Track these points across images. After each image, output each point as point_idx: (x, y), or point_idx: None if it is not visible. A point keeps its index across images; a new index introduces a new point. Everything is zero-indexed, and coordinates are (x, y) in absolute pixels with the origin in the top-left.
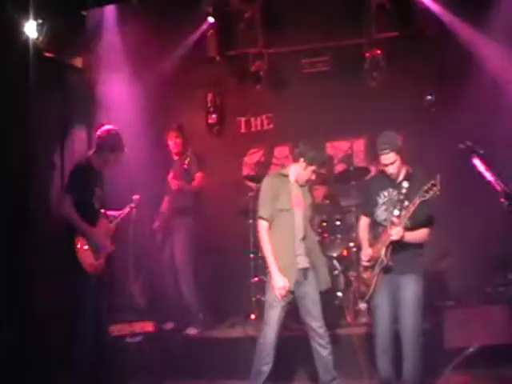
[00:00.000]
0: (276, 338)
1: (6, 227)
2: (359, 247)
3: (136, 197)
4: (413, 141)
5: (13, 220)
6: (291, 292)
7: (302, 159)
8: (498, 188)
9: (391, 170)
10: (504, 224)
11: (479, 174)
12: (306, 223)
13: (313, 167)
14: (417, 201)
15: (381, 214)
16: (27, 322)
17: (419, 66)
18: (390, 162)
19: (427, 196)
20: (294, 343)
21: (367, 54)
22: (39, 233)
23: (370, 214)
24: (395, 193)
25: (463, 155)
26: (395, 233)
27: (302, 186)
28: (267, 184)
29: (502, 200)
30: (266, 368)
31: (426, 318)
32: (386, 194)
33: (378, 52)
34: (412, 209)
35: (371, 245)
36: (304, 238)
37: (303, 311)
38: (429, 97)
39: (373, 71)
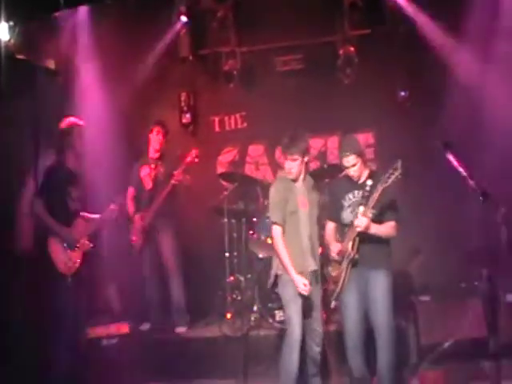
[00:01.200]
0: (301, 335)
1: None
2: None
3: (117, 199)
4: (386, 137)
5: None
6: None
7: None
8: (472, 184)
9: (352, 172)
10: (477, 219)
11: (453, 169)
12: (312, 223)
13: (287, 154)
14: (379, 188)
15: (347, 216)
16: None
17: (393, 63)
18: (351, 164)
19: (389, 181)
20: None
21: (340, 52)
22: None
23: (336, 219)
24: (360, 193)
25: (437, 151)
26: (360, 223)
27: (305, 185)
28: (275, 189)
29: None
30: (296, 368)
31: (400, 314)
32: (350, 196)
33: (352, 49)
34: (376, 196)
35: (339, 241)
36: (310, 239)
37: (306, 312)
38: (402, 93)
39: (346, 68)
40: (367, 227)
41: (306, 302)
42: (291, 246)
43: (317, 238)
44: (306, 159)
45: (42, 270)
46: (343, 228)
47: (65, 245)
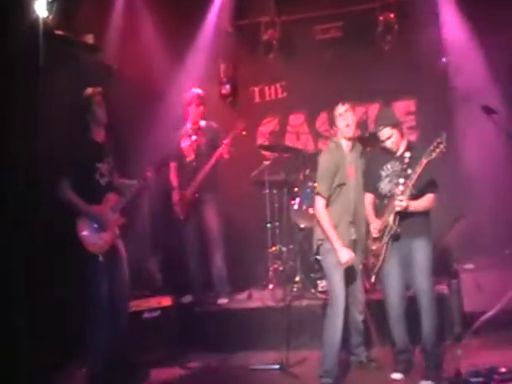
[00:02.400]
0: (345, 303)
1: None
2: None
3: (148, 173)
4: (427, 104)
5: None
6: None
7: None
8: None
9: (389, 144)
10: None
11: (497, 132)
12: (358, 193)
13: (336, 113)
14: (424, 161)
15: (385, 186)
16: (40, 309)
17: (433, 29)
18: (386, 137)
19: (434, 155)
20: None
21: (380, 18)
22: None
23: (374, 190)
24: (397, 164)
25: (478, 116)
26: (398, 204)
27: (355, 153)
28: (326, 159)
29: None
30: (340, 337)
31: (444, 282)
32: (389, 166)
33: (391, 15)
34: (419, 170)
35: (378, 216)
36: (355, 208)
37: (348, 280)
38: (444, 59)
39: (386, 35)
40: (406, 207)
41: (348, 270)
42: (336, 216)
43: (362, 206)
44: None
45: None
46: (381, 199)
47: (95, 225)
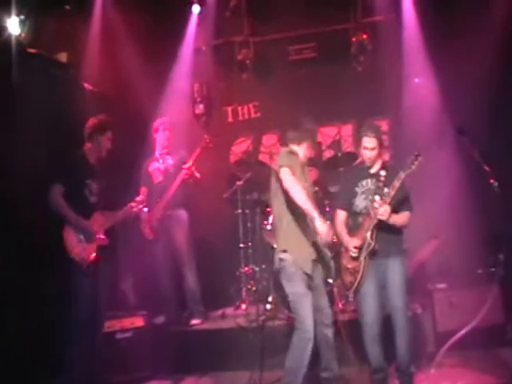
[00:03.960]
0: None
1: None
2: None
3: (139, 198)
4: (400, 124)
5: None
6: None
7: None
8: (486, 169)
9: (368, 154)
10: (494, 205)
11: (468, 154)
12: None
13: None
14: (402, 175)
15: (360, 202)
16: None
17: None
18: (371, 147)
19: (413, 167)
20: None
21: (353, 39)
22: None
23: (348, 207)
24: (373, 182)
25: (451, 136)
26: (383, 211)
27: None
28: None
29: (492, 180)
30: (307, 362)
31: (417, 302)
32: (364, 183)
33: (365, 36)
34: (397, 184)
35: (352, 235)
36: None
37: (313, 303)
38: (416, 79)
39: (359, 56)
40: (389, 215)
41: (312, 286)
42: (297, 235)
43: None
44: None
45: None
46: (355, 217)
47: (81, 237)
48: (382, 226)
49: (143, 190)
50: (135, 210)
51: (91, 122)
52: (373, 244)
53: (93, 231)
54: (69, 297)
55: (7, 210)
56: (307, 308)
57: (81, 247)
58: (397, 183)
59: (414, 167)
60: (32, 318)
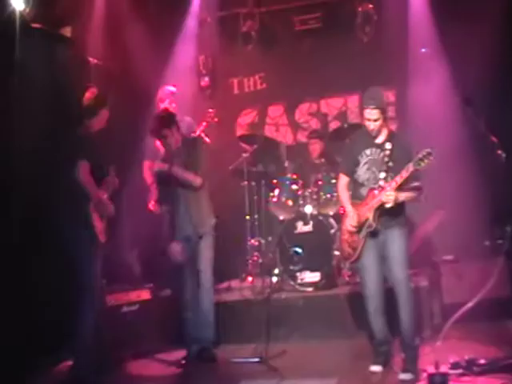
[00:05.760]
0: None
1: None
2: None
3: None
4: (406, 95)
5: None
6: None
7: None
8: (494, 140)
9: (372, 126)
10: (500, 176)
11: (474, 126)
12: None
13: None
14: (411, 168)
15: (363, 173)
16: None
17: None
18: (374, 118)
19: (422, 164)
20: None
21: (359, 9)
22: None
23: (351, 174)
24: (377, 153)
25: (458, 107)
26: (389, 199)
27: None
28: None
29: (499, 152)
30: None
31: (423, 274)
32: (368, 152)
33: (370, 6)
34: (405, 176)
35: (354, 205)
36: None
37: None
38: (423, 49)
39: (365, 26)
40: (396, 199)
41: None
42: None
43: None
44: None
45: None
46: (356, 186)
47: (100, 215)
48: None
49: (146, 164)
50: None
51: (90, 95)
52: (374, 225)
53: (107, 203)
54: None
55: (8, 188)
56: None
57: (101, 224)
58: (405, 174)
59: (423, 164)
60: (40, 288)
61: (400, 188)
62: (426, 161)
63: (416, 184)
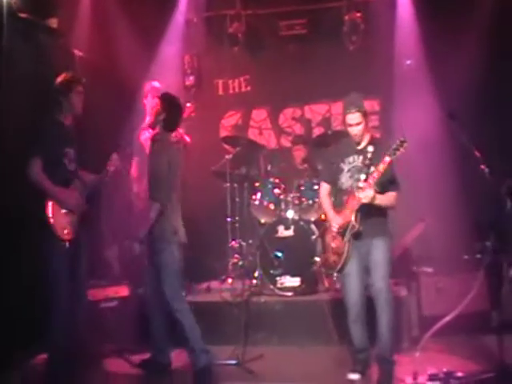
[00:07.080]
0: None
1: None
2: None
3: (114, 156)
4: (391, 105)
5: None
6: None
7: None
8: (476, 154)
9: (355, 131)
10: (482, 191)
11: (458, 139)
12: None
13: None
14: (387, 159)
15: (346, 181)
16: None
17: (399, 30)
18: (356, 122)
19: (398, 153)
20: None
21: (346, 17)
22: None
23: (333, 182)
24: (360, 159)
25: (441, 120)
26: (366, 195)
27: None
28: None
29: (482, 167)
30: None
31: (403, 284)
32: (350, 160)
33: (358, 15)
34: (382, 168)
35: (337, 212)
36: None
37: None
38: (408, 61)
39: (352, 35)
40: (373, 199)
41: None
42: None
43: None
44: None
45: (42, 237)
46: (339, 194)
47: (63, 211)
48: (367, 207)
49: (136, 159)
50: (112, 169)
51: (57, 80)
52: (357, 227)
53: (74, 202)
54: (48, 274)
55: None
56: None
57: (65, 221)
58: (381, 167)
59: (398, 153)
60: (12, 286)
61: (378, 191)
62: (400, 149)
63: (392, 192)
